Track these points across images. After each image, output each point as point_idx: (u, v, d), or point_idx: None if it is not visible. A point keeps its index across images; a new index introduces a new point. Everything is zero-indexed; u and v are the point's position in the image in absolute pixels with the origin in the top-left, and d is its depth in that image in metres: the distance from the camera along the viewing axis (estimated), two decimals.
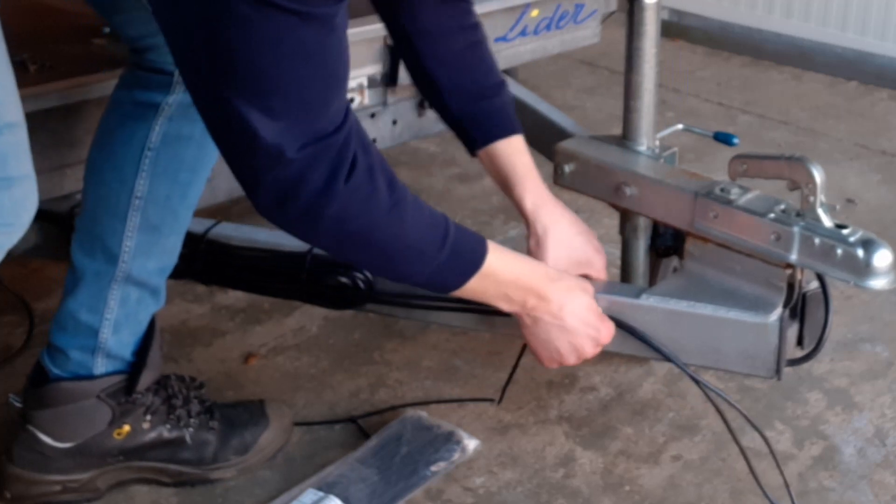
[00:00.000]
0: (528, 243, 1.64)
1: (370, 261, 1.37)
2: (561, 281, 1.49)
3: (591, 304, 1.51)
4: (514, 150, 1.63)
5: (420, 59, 1.62)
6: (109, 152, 1.53)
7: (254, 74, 1.16)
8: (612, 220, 1.86)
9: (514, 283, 1.45)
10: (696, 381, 1.55)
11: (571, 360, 1.53)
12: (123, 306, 1.55)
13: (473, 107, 1.62)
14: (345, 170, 1.22)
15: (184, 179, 1.52)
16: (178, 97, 1.48)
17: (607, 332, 1.53)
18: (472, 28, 1.64)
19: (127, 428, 1.60)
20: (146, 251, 1.54)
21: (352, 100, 2.02)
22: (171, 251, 1.57)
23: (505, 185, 1.64)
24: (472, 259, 1.39)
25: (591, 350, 1.53)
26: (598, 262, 1.64)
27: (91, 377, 1.57)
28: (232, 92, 1.16)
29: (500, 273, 1.42)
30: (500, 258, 1.42)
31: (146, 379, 1.60)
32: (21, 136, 1.27)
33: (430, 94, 1.65)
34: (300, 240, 1.33)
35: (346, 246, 1.31)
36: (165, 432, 1.63)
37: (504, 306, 1.47)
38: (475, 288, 1.41)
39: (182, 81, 1.38)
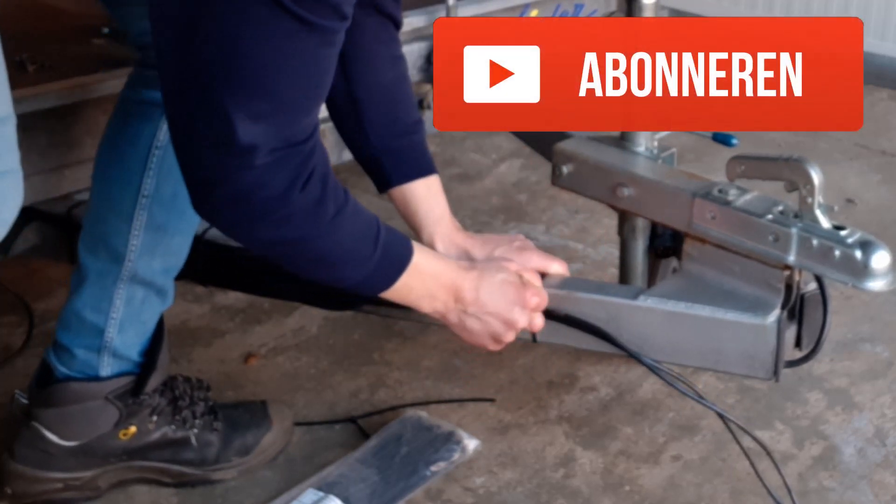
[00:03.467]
0: None
1: (305, 265, 1.37)
2: (473, 269, 1.50)
3: (505, 278, 1.51)
4: (431, 192, 1.63)
5: (351, 87, 1.58)
6: (116, 151, 1.53)
7: (252, 75, 1.18)
8: (612, 221, 1.86)
9: (436, 279, 1.46)
10: (661, 376, 1.57)
11: (510, 336, 1.53)
12: (129, 306, 1.55)
13: (394, 142, 1.61)
14: (303, 178, 1.25)
15: None
16: None
17: (532, 295, 1.52)
18: (401, 59, 1.64)
19: (133, 429, 1.60)
20: (152, 251, 1.54)
21: None
22: (177, 251, 1.57)
23: (416, 224, 1.63)
24: (402, 257, 1.41)
25: (522, 320, 1.52)
26: (538, 260, 1.62)
27: (98, 378, 1.57)
28: (223, 89, 1.18)
29: (425, 270, 1.44)
30: (424, 256, 1.45)
31: (154, 381, 1.60)
32: (8, 131, 1.26)
33: (349, 124, 1.62)
34: (234, 239, 1.34)
35: (284, 250, 1.33)
36: (170, 433, 1.63)
37: (428, 306, 1.48)
38: (403, 287, 1.42)
39: None
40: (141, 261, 1.53)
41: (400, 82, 1.64)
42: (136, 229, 1.52)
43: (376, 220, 1.38)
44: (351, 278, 1.39)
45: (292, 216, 1.27)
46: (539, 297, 1.54)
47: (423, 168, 1.63)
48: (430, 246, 1.62)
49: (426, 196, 1.63)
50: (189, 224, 1.57)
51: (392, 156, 1.61)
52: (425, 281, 1.45)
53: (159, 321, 1.61)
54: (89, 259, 1.55)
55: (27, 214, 1.99)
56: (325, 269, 1.37)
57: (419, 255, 1.43)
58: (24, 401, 1.59)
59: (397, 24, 1.63)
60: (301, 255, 1.34)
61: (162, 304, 1.60)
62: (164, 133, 1.49)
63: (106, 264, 1.54)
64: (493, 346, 1.54)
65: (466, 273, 1.49)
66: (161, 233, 1.53)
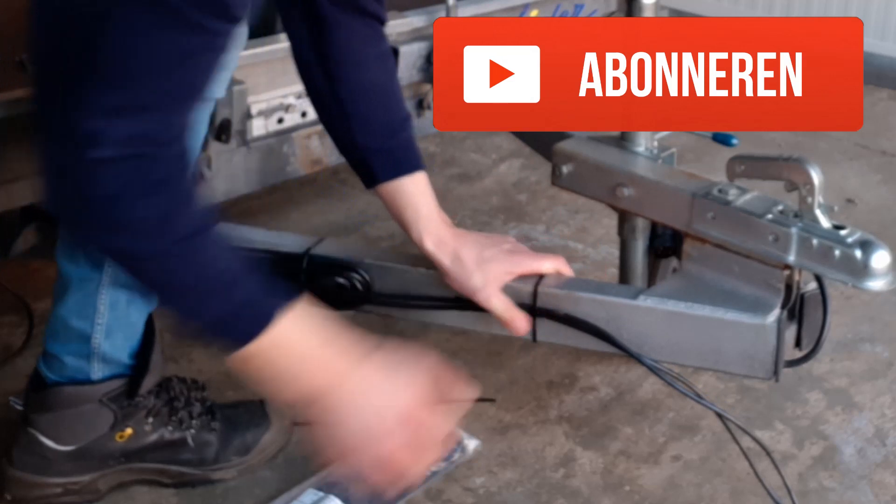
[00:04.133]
0: (446, 281, 1.61)
1: (155, 287, 1.24)
2: (378, 372, 1.25)
3: (411, 398, 1.24)
4: (418, 189, 1.61)
5: (336, 87, 1.57)
6: None
7: (114, 65, 1.10)
8: (612, 221, 1.86)
9: (308, 358, 1.21)
10: (661, 376, 1.57)
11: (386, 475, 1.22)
12: (114, 310, 1.53)
13: (381, 140, 1.59)
14: (149, 184, 1.13)
15: None
16: None
17: (430, 432, 1.22)
18: (388, 56, 1.63)
19: (129, 431, 1.60)
20: None
21: None
22: None
23: (405, 221, 1.61)
24: (263, 314, 1.18)
25: (408, 461, 1.21)
26: (530, 263, 1.61)
27: (91, 382, 1.57)
28: (79, 75, 1.11)
29: (294, 344, 1.20)
30: (301, 327, 1.20)
31: (148, 382, 1.59)
32: None
33: (337, 123, 1.60)
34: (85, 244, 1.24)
35: (131, 264, 1.20)
36: (167, 434, 1.63)
37: (287, 391, 1.22)
38: (255, 356, 1.19)
39: None
40: None
41: (388, 80, 1.62)
42: None
43: (249, 267, 1.21)
44: (201, 314, 1.20)
45: (131, 225, 1.14)
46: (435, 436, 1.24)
47: (410, 165, 1.61)
48: (419, 244, 1.61)
49: (413, 193, 1.61)
50: None
51: (379, 153, 1.60)
52: (289, 357, 1.20)
53: (151, 323, 1.60)
54: (69, 266, 1.52)
55: (27, 214, 1.99)
56: (171, 295, 1.21)
57: (294, 325, 1.19)
58: (19, 407, 1.59)
59: (382, 22, 1.61)
60: (148, 272, 1.20)
61: (148, 305, 1.58)
62: None
63: (86, 271, 1.51)
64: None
65: (356, 371, 1.23)
66: None
